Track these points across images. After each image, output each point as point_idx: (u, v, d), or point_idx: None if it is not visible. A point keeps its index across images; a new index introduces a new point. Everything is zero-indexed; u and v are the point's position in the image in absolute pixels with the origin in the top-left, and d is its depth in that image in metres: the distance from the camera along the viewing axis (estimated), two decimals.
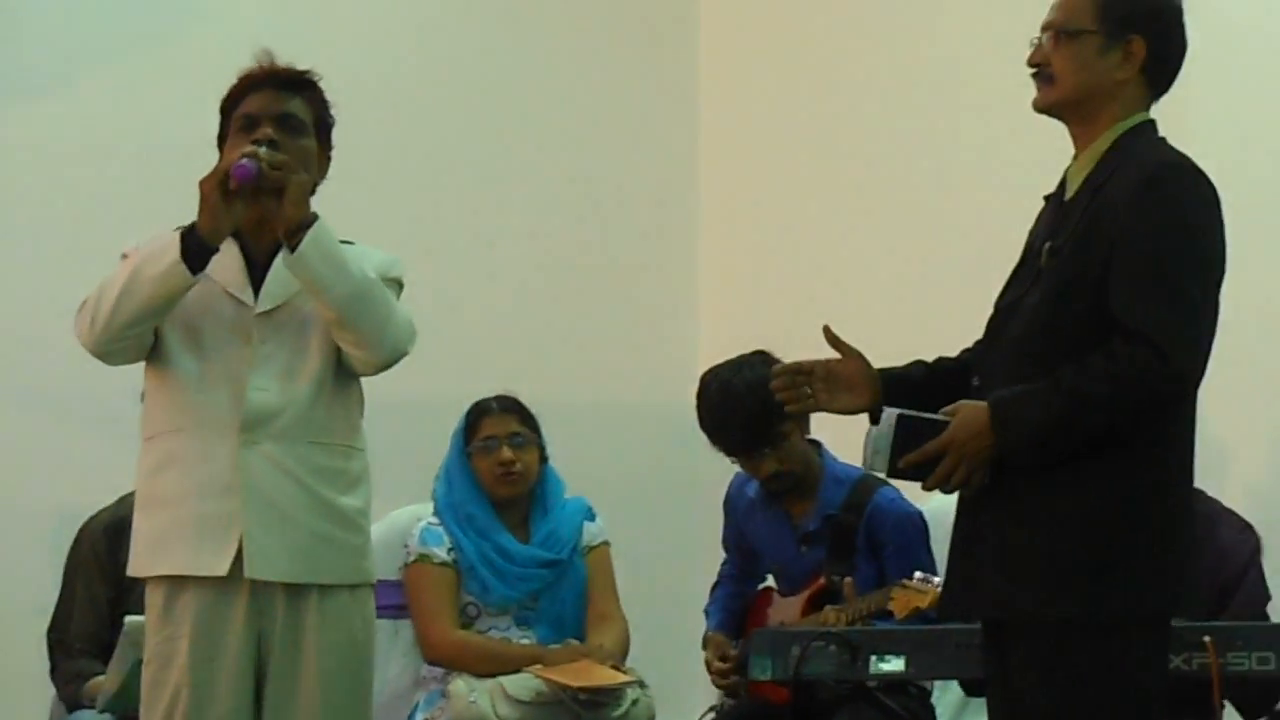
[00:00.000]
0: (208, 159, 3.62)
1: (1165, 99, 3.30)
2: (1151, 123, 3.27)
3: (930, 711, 4.53)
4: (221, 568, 3.52)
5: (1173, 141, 3.25)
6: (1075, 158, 3.29)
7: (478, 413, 4.84)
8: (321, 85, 3.72)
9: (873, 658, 3.93)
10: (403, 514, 4.92)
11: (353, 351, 3.59)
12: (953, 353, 3.45)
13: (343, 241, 3.63)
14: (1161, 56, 3.25)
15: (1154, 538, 3.11)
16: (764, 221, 6.16)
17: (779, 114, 6.15)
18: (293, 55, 3.74)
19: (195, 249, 3.50)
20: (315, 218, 3.53)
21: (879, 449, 3.16)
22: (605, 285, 6.14)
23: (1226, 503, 4.40)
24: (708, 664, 4.70)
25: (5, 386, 5.29)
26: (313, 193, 3.63)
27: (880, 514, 4.52)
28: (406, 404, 4.93)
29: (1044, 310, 3.18)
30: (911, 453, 3.15)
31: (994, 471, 3.15)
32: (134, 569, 3.65)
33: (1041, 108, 3.28)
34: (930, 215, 5.70)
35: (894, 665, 3.93)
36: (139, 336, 3.58)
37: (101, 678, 4.48)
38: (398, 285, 3.71)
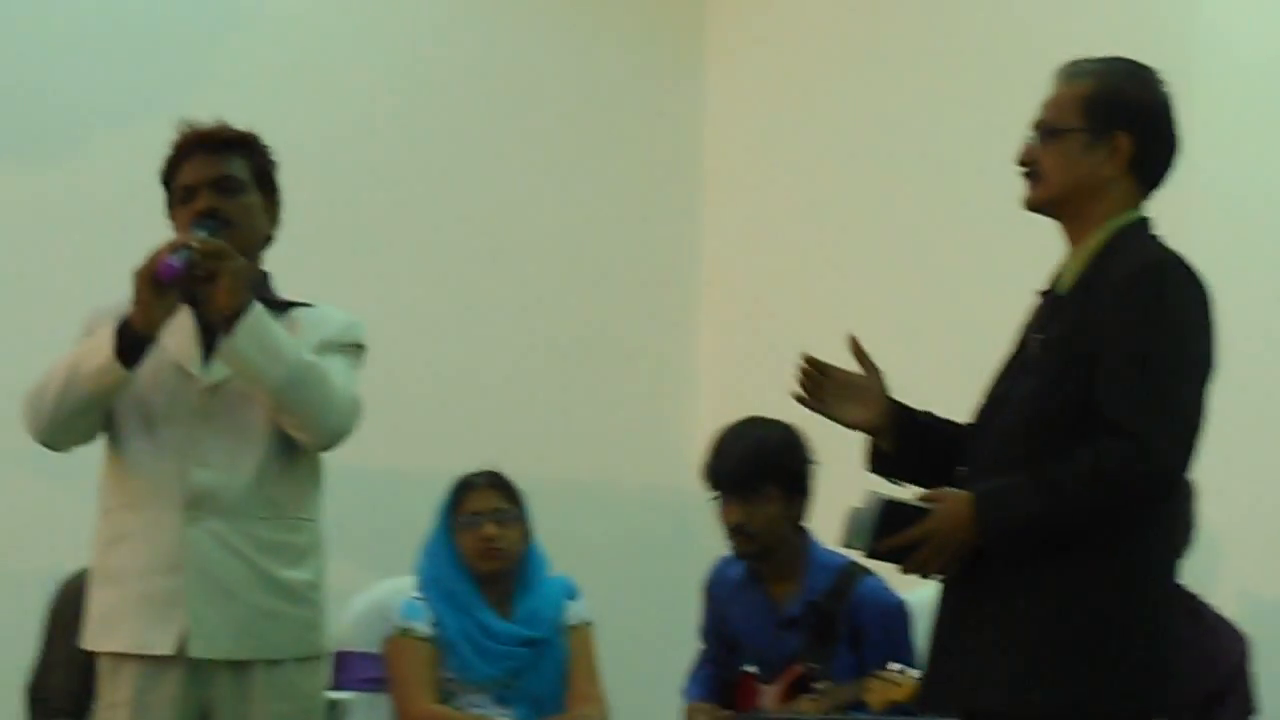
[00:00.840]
0: None
1: (1163, 194, 3.28)
2: (1145, 219, 3.26)
3: None
4: (166, 646, 3.51)
5: (1171, 237, 3.24)
6: (1067, 254, 3.27)
7: (463, 487, 4.81)
8: (256, 135, 3.66)
9: None
10: (387, 586, 4.89)
11: (292, 433, 3.56)
12: None
13: (301, 304, 3.63)
14: (1150, 152, 3.24)
15: (1136, 635, 3.08)
16: (765, 301, 6.14)
17: (781, 195, 6.15)
18: (287, 115, 3.71)
19: (131, 342, 3.45)
20: (250, 304, 3.46)
21: (860, 529, 3.16)
22: (599, 360, 6.11)
23: (1217, 604, 4.36)
24: None
25: None
26: (265, 247, 3.63)
27: (863, 602, 4.47)
28: (394, 475, 4.91)
29: (1033, 403, 3.17)
30: (893, 536, 3.13)
31: (975, 562, 3.12)
32: (87, 642, 3.65)
33: (1030, 206, 3.28)
34: (931, 303, 5.69)
35: None
36: (85, 425, 3.57)
37: None
38: (356, 349, 3.67)
